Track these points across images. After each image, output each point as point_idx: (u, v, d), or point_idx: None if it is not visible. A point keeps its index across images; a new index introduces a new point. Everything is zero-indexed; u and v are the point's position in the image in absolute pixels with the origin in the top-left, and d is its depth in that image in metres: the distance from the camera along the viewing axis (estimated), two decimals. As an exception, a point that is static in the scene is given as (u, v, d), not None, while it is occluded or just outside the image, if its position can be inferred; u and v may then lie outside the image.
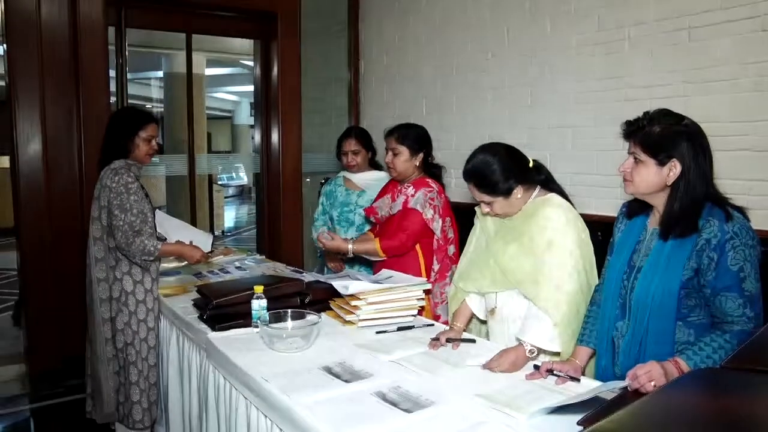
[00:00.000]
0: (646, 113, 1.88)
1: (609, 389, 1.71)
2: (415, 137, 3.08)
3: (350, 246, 3.00)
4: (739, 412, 1.02)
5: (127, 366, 2.87)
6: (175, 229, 3.47)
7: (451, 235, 3.06)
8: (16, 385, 4.33)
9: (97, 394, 2.97)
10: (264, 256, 4.13)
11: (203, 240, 3.46)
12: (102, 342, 2.91)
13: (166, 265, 3.76)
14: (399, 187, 3.10)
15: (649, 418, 1.05)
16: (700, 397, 1.12)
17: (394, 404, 1.73)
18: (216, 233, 12.00)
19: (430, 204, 2.97)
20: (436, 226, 2.97)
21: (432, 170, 3.15)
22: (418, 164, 3.09)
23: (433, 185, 3.04)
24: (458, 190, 4.38)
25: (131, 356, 2.86)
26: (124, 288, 2.89)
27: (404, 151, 3.06)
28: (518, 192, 2.23)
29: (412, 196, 3.00)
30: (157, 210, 3.23)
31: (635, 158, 1.87)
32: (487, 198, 2.24)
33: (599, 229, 2.59)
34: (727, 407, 1.07)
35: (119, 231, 2.81)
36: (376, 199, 3.26)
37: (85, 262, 4.28)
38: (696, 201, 1.81)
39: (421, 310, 2.68)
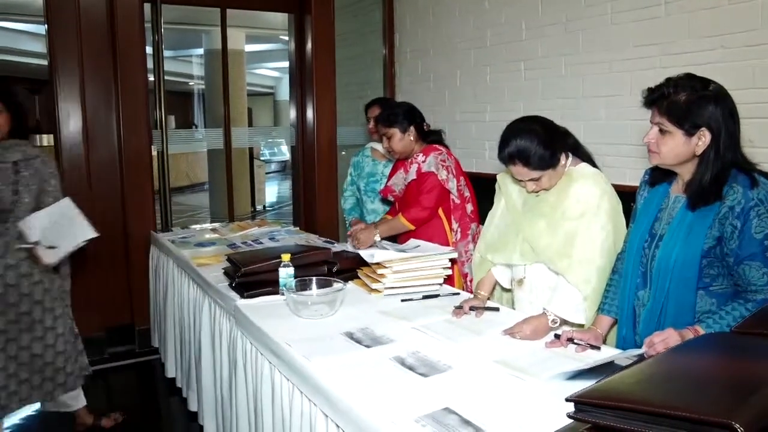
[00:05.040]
0: (669, 79, 1.80)
1: (626, 356, 1.71)
2: (400, 115, 3.13)
3: (377, 231, 3.04)
4: (743, 373, 1.01)
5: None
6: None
7: (467, 194, 3.14)
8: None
9: None
10: (298, 228, 4.18)
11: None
12: None
13: (206, 236, 3.88)
14: (410, 159, 3.16)
15: (651, 377, 1.05)
16: (705, 359, 1.12)
17: (411, 368, 1.76)
18: (257, 207, 12.18)
19: (443, 165, 3.05)
20: (452, 186, 3.06)
21: (432, 137, 3.20)
22: (413, 138, 3.14)
23: (441, 148, 3.13)
24: (492, 162, 4.36)
25: None
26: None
27: (395, 132, 3.12)
28: (562, 160, 2.21)
29: (424, 162, 3.07)
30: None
31: (661, 129, 1.79)
32: (536, 174, 2.17)
33: (633, 200, 2.55)
34: (732, 369, 1.06)
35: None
36: (388, 179, 3.30)
37: (125, 233, 4.43)
38: (725, 168, 1.76)
39: (448, 279, 2.70)
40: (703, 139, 1.75)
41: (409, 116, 3.14)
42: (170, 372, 3.77)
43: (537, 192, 2.25)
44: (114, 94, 4.37)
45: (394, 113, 3.14)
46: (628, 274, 1.97)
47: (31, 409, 3.63)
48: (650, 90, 1.83)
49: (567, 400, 1.00)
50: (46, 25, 4.26)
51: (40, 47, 10.78)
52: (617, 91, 3.50)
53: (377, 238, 3.02)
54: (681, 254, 1.79)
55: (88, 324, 4.40)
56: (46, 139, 12.73)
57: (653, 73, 3.24)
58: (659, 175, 1.97)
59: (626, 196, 2.30)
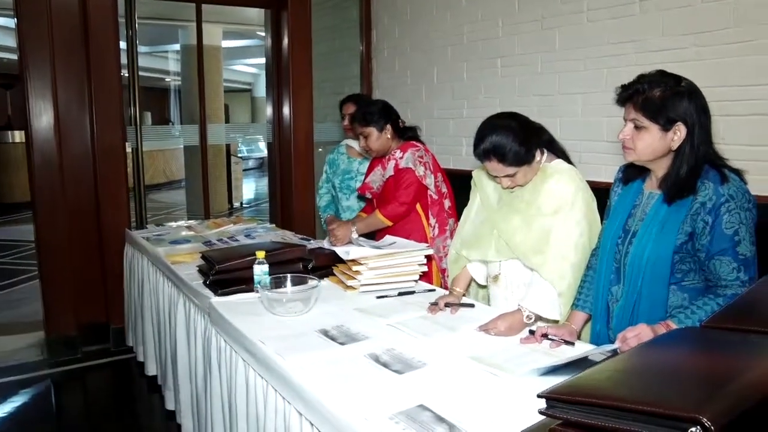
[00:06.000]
0: (641, 76, 1.81)
1: (600, 351, 1.72)
2: (376, 114, 3.13)
3: (354, 228, 3.05)
4: (712, 368, 1.02)
5: None
6: None
7: (444, 189, 3.15)
8: (35, 351, 4.44)
9: None
10: (274, 225, 4.16)
11: None
12: None
13: (181, 234, 3.85)
14: (387, 156, 3.16)
15: (622, 372, 1.05)
16: (675, 354, 1.12)
17: (385, 365, 1.75)
18: (234, 204, 12.13)
19: (420, 161, 3.05)
20: (429, 182, 3.06)
21: (408, 134, 3.21)
22: (389, 136, 3.14)
23: (419, 145, 3.14)
24: (469, 158, 4.36)
25: None
26: None
27: (372, 131, 3.12)
28: (537, 156, 2.21)
29: (401, 158, 3.07)
30: None
31: (636, 125, 1.80)
32: (512, 170, 2.17)
33: (608, 196, 2.57)
34: (701, 363, 1.07)
35: None
36: (365, 177, 3.30)
37: (99, 231, 4.37)
38: (700, 162, 1.78)
39: (425, 275, 2.70)
40: (678, 133, 1.77)
41: (385, 114, 3.13)
42: (151, 370, 3.73)
43: (512, 188, 2.26)
44: (87, 89, 4.30)
45: (369, 112, 3.12)
46: (602, 270, 1.98)
47: (6, 410, 3.58)
48: (624, 87, 1.84)
49: (538, 396, 1.00)
50: (15, 18, 4.18)
51: (13, 41, 10.65)
52: (593, 88, 3.52)
53: (354, 234, 3.02)
54: (654, 250, 1.81)
55: (62, 323, 4.36)
56: (18, 136, 12.57)
57: (628, 70, 3.24)
58: (633, 172, 1.98)
59: (602, 192, 2.31)
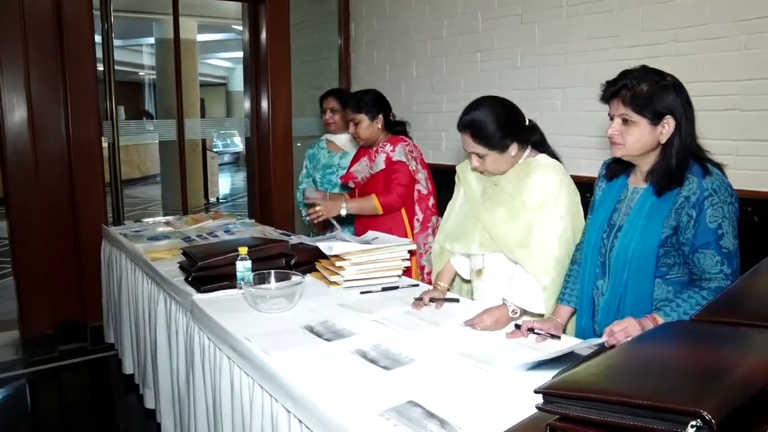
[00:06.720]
0: (626, 72, 1.82)
1: (586, 346, 1.73)
2: (369, 102, 3.12)
3: (344, 205, 3.03)
4: (706, 361, 1.02)
5: None
6: None
7: (430, 186, 3.14)
8: (9, 351, 4.35)
9: None
10: (254, 220, 4.13)
11: None
12: None
13: (159, 230, 3.80)
14: (374, 148, 3.14)
15: (617, 367, 1.05)
16: (668, 348, 1.13)
17: (373, 362, 1.74)
18: (210, 200, 12.03)
19: (411, 156, 3.05)
20: (421, 176, 3.08)
21: (396, 128, 3.20)
22: (380, 126, 3.13)
23: (407, 140, 3.14)
24: (448, 153, 4.37)
25: None
26: None
27: (363, 119, 3.10)
28: (513, 149, 2.20)
29: (393, 151, 3.05)
30: None
31: (624, 120, 1.81)
32: (481, 150, 2.18)
33: (589, 191, 2.59)
34: (694, 357, 1.07)
35: None
36: (350, 166, 3.28)
37: (75, 227, 4.30)
38: (686, 154, 1.79)
39: (406, 271, 2.70)
40: (667, 127, 1.78)
41: (378, 104, 3.12)
42: (128, 368, 3.67)
43: (481, 171, 2.27)
44: (62, 83, 4.21)
45: (363, 99, 3.11)
46: (587, 265, 1.99)
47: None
48: (609, 83, 1.84)
49: (535, 391, 1.00)
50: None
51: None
52: (573, 83, 3.54)
53: (343, 212, 3.00)
54: (639, 244, 1.82)
55: (38, 321, 4.28)
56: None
57: (608, 65, 3.28)
58: (617, 168, 1.99)
59: (582, 186, 2.32)
